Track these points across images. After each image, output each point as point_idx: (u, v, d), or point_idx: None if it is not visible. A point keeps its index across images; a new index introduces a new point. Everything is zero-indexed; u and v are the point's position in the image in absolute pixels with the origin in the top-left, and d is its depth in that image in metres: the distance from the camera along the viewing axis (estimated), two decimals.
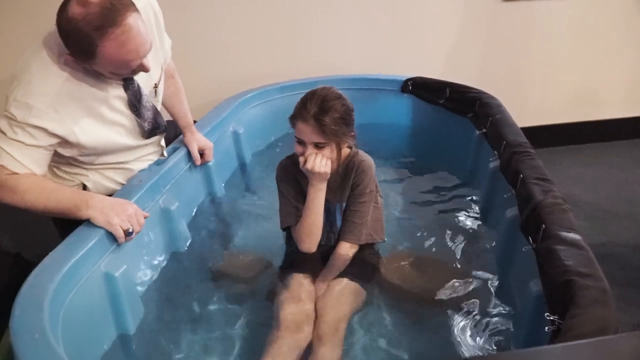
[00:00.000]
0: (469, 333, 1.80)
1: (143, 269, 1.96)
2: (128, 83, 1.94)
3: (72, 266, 1.59)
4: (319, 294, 1.89)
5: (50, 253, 1.63)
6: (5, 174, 1.76)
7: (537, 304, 1.55)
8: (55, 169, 2.03)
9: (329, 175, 1.92)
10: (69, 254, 1.63)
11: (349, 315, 1.82)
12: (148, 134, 2.07)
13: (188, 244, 2.20)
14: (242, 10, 3.28)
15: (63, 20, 1.65)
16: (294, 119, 1.90)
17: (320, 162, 1.88)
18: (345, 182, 2.00)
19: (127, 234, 1.78)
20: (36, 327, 1.36)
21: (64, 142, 1.84)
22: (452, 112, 2.96)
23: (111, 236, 1.76)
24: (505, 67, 3.67)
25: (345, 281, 1.91)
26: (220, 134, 2.69)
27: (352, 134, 1.95)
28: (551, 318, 1.37)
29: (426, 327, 1.88)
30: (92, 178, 2.05)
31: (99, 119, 1.89)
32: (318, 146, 1.88)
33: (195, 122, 2.45)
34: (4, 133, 1.75)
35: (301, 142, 1.90)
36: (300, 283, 1.91)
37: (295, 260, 2.04)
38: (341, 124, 1.87)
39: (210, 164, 2.50)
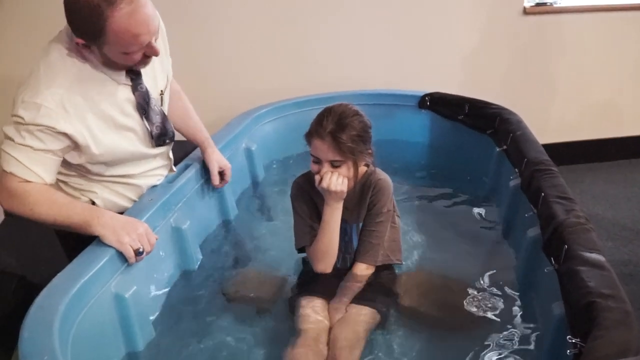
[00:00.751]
0: (491, 355, 1.80)
1: (154, 289, 1.99)
2: (136, 83, 1.95)
3: (82, 287, 1.61)
4: (334, 318, 1.89)
5: (59, 273, 1.65)
6: (17, 182, 1.78)
7: (559, 327, 1.55)
8: (62, 185, 2.03)
9: (345, 194, 1.93)
10: (78, 274, 1.65)
11: (364, 343, 1.81)
12: (157, 140, 2.07)
13: (199, 264, 2.22)
14: (255, 26, 3.32)
15: None
16: (309, 136, 1.90)
17: (336, 181, 1.88)
18: (362, 201, 2.00)
19: (138, 253, 1.80)
20: (46, 349, 1.38)
21: (74, 145, 1.85)
22: (471, 128, 2.97)
23: (121, 256, 1.78)
24: (527, 82, 3.68)
25: (360, 308, 1.91)
26: (232, 151, 2.71)
27: (370, 151, 1.95)
28: (573, 341, 1.37)
29: (444, 352, 1.88)
30: (101, 194, 2.05)
31: (109, 123, 1.90)
32: (334, 164, 1.88)
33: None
34: (11, 139, 1.76)
35: (317, 161, 1.90)
36: (314, 309, 1.91)
37: (310, 282, 2.04)
38: (358, 141, 1.87)
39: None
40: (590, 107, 3.79)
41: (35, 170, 1.79)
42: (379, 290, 2.01)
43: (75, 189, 2.04)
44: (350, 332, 1.81)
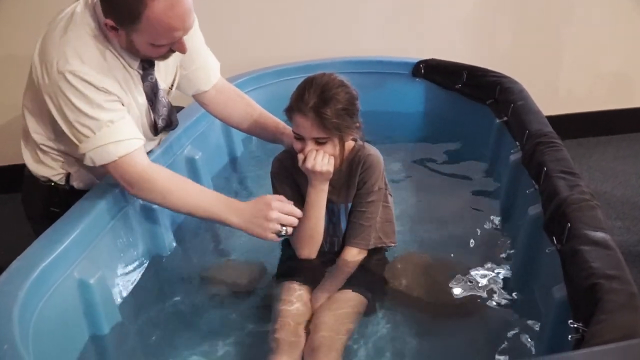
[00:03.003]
0: (486, 343, 1.84)
1: (121, 275, 2.00)
2: (147, 74, 2.01)
3: (42, 272, 1.62)
4: (316, 305, 1.90)
5: (17, 258, 1.66)
6: (133, 164, 1.86)
7: (560, 311, 1.57)
8: (41, 154, 2.06)
9: (331, 175, 1.91)
10: (38, 258, 1.66)
11: (350, 333, 1.82)
12: (160, 130, 2.14)
13: (172, 248, 2.23)
14: None
15: None
16: (290, 111, 1.88)
17: (321, 161, 1.87)
18: (351, 179, 1.99)
19: (280, 235, 1.89)
20: (5, 338, 1.39)
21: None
22: (469, 98, 2.99)
23: (84, 239, 1.80)
24: (531, 49, 3.68)
25: (347, 293, 1.92)
26: (208, 124, 2.71)
27: (357, 125, 1.93)
28: (575, 325, 1.39)
29: (439, 339, 1.91)
30: (79, 170, 2.10)
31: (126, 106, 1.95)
32: (319, 142, 1.87)
33: (178, 110, 2.44)
34: (89, 128, 1.81)
35: (299, 138, 1.89)
36: (294, 295, 1.92)
37: (292, 268, 2.05)
38: (344, 115, 1.85)
39: (196, 157, 2.52)
40: (599, 76, 3.79)
41: (134, 134, 1.88)
42: (367, 274, 2.02)
43: (54, 160, 2.07)
44: (332, 318, 1.82)
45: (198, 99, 2.33)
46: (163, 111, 2.11)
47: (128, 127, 1.87)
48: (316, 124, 1.83)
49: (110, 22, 1.77)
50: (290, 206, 1.90)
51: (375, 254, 2.09)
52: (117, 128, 1.84)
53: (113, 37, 1.84)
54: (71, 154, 2.05)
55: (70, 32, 1.81)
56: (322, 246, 2.04)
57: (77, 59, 1.78)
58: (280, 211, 1.87)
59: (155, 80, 2.05)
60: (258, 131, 2.35)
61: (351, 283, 1.95)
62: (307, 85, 1.86)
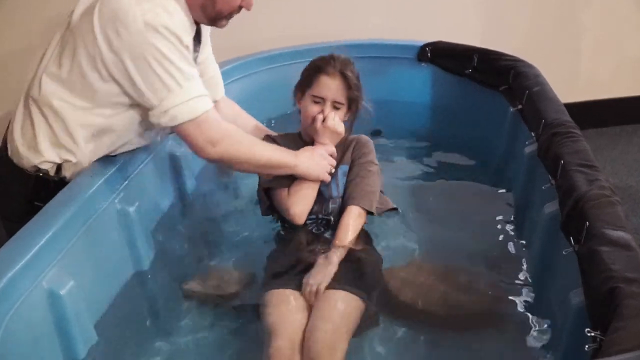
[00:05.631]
0: (500, 352, 1.87)
1: (95, 285, 1.98)
2: (195, 49, 2.16)
3: (8, 282, 1.60)
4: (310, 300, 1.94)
5: None
6: (220, 125, 2.04)
7: (577, 318, 1.59)
8: (43, 138, 2.06)
9: (339, 139, 2.24)
10: (4, 266, 1.64)
11: (349, 337, 1.85)
12: None
13: (152, 253, 2.25)
14: None
15: None
16: (315, 72, 2.19)
17: (339, 122, 2.19)
18: (344, 155, 2.28)
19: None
20: None
21: None
22: (480, 84, 2.99)
23: (54, 245, 1.79)
24: (548, 30, 3.70)
25: (342, 294, 1.94)
26: None
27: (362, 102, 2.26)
28: (592, 334, 1.40)
29: (449, 352, 1.93)
30: (86, 151, 2.11)
31: None
32: (336, 106, 2.19)
33: None
34: (179, 82, 1.92)
35: (319, 101, 2.19)
36: (287, 305, 1.94)
37: (280, 274, 2.08)
38: (360, 87, 2.23)
39: (177, 154, 2.53)
40: (623, 61, 3.80)
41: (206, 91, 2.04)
42: (362, 273, 2.08)
43: (57, 144, 2.07)
44: (331, 322, 1.84)
45: None
46: None
47: (201, 84, 2.02)
48: (342, 85, 2.18)
49: None
50: (331, 147, 2.23)
51: (361, 243, 2.18)
52: (198, 83, 2.00)
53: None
54: (100, 125, 2.07)
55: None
56: (314, 219, 2.21)
57: (165, 12, 1.91)
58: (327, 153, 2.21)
59: (197, 59, 2.21)
60: None
61: (343, 281, 1.98)
62: (329, 55, 2.22)
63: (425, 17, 3.57)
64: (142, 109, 2.03)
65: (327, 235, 2.21)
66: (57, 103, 2.02)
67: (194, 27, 2.10)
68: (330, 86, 2.17)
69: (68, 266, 1.83)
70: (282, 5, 3.43)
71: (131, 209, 2.16)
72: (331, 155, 2.22)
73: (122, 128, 2.10)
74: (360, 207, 2.17)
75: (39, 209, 1.92)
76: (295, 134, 2.36)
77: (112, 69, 1.93)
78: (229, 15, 2.12)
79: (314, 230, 2.22)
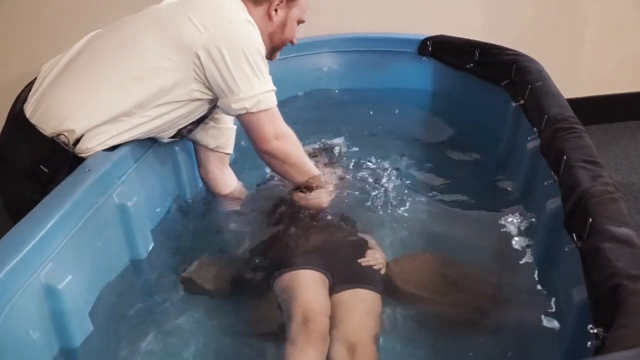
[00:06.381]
0: (500, 351, 1.86)
1: (92, 278, 2.00)
2: None
3: (5, 276, 1.61)
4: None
5: None
6: (282, 120, 2.26)
7: (580, 315, 1.59)
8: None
9: None
10: (1, 259, 1.64)
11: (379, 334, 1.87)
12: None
13: (150, 248, 2.25)
14: None
15: None
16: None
17: None
18: None
19: None
20: None
21: None
22: (482, 79, 2.99)
23: (51, 239, 1.79)
24: (550, 25, 3.69)
25: (364, 291, 1.97)
26: None
27: None
28: (595, 331, 1.40)
29: (450, 345, 1.94)
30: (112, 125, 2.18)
31: None
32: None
33: None
34: (263, 73, 2.16)
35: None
36: (317, 284, 1.96)
37: (298, 255, 2.09)
38: None
39: (176, 148, 2.54)
40: (627, 55, 3.80)
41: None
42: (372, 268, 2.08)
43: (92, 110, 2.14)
44: (363, 322, 1.87)
45: (212, 157, 2.58)
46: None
47: None
48: None
49: (278, 1, 2.24)
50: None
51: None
52: (270, 79, 2.19)
53: (271, 21, 2.28)
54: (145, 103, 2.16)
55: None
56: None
57: (246, 14, 2.16)
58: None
59: None
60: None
61: (359, 279, 2.01)
62: None
63: (427, 11, 3.57)
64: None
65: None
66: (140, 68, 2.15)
67: None
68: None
69: (65, 260, 1.83)
70: None
71: (129, 204, 2.15)
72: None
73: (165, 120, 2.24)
74: None
75: (42, 172, 2.05)
76: None
77: (201, 52, 2.09)
78: (280, 49, 2.37)
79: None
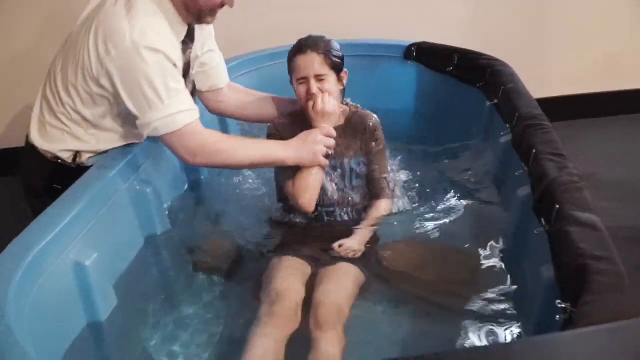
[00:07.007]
0: (478, 321, 1.84)
1: (116, 256, 1.98)
2: (186, 48, 2.10)
3: (38, 254, 1.61)
4: (346, 252, 1.97)
5: (13, 240, 1.65)
6: (196, 133, 1.95)
7: (548, 291, 1.57)
8: (55, 129, 2.08)
9: (337, 118, 2.10)
10: (34, 240, 1.65)
11: (352, 301, 1.85)
12: None
13: (166, 228, 2.23)
14: None
15: None
16: (292, 58, 2.08)
17: (329, 102, 2.03)
18: (355, 138, 2.16)
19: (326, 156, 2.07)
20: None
21: None
22: (460, 81, 2.96)
23: (80, 221, 1.78)
24: (522, 33, 3.69)
25: (344, 265, 1.94)
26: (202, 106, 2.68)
27: (346, 72, 2.14)
28: (563, 306, 1.39)
29: (433, 316, 1.94)
30: (98, 142, 2.12)
31: None
32: (319, 78, 2.04)
33: None
34: (158, 97, 1.88)
35: (303, 81, 2.05)
36: (294, 270, 1.93)
37: (286, 243, 2.08)
38: (339, 54, 2.10)
39: None
40: (590, 59, 3.80)
41: (193, 105, 1.98)
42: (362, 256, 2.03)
43: (72, 135, 2.09)
44: (336, 289, 1.84)
45: (211, 96, 2.40)
46: (189, 87, 2.17)
47: (189, 98, 1.99)
48: (317, 59, 2.04)
49: None
50: (327, 129, 2.06)
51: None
52: (182, 98, 1.93)
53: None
54: (101, 125, 2.08)
55: (138, 6, 1.89)
56: (322, 208, 2.12)
57: (152, 31, 1.87)
58: (322, 134, 2.05)
59: (190, 55, 2.15)
60: (271, 113, 2.39)
61: (348, 261, 1.97)
62: (304, 38, 2.11)
63: (412, 20, 3.56)
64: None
65: (338, 222, 2.16)
66: (67, 101, 2.03)
67: (185, 28, 2.06)
68: (306, 63, 2.04)
69: (92, 239, 1.83)
70: (296, 6, 3.47)
71: (148, 190, 2.14)
72: (329, 136, 2.07)
73: (114, 125, 2.09)
74: (385, 199, 2.17)
75: (57, 190, 1.94)
76: (302, 120, 2.15)
77: (103, 81, 1.92)
78: (212, 12, 2.03)
79: (324, 217, 2.16)
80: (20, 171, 2.23)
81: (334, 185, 2.15)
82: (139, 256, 2.09)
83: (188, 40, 2.10)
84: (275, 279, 1.88)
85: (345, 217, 2.17)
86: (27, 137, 2.15)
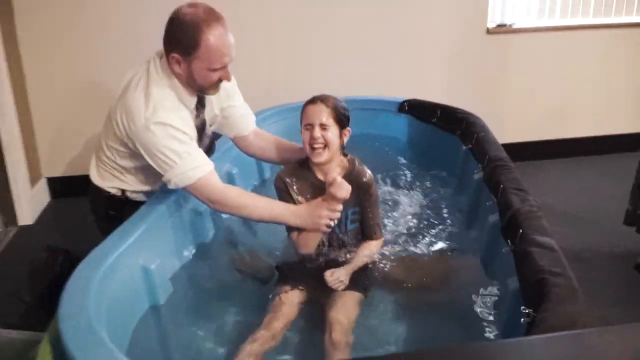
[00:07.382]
0: (450, 323, 1.83)
1: (175, 262, 1.99)
2: (199, 113, 2.05)
3: (115, 260, 1.63)
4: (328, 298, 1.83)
5: (94, 248, 1.66)
6: (213, 189, 1.89)
7: (514, 299, 1.55)
8: (107, 173, 2.09)
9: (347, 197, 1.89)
10: (110, 249, 1.66)
11: (354, 321, 1.77)
12: None
13: (214, 241, 2.21)
14: (243, 34, 3.32)
15: (176, 16, 1.83)
16: (303, 109, 1.95)
17: (342, 187, 1.86)
18: (353, 192, 1.92)
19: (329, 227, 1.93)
20: (82, 312, 1.38)
21: None
22: (442, 130, 2.94)
23: (149, 234, 1.80)
24: (489, 90, 3.70)
25: (352, 294, 1.85)
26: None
27: (349, 130, 1.98)
28: (526, 311, 1.37)
29: (417, 319, 1.89)
30: (135, 185, 2.11)
31: None
32: (323, 127, 1.88)
33: (217, 137, 2.37)
34: (175, 161, 1.84)
35: (309, 127, 1.90)
36: (286, 299, 1.82)
37: (290, 272, 1.97)
38: (344, 112, 1.94)
39: (234, 172, 2.50)
40: (542, 112, 3.80)
41: (206, 161, 1.91)
42: (360, 274, 1.95)
43: (118, 178, 2.10)
44: (346, 320, 1.74)
45: (237, 141, 2.33)
46: (206, 141, 2.14)
47: (201, 156, 1.90)
48: (324, 110, 1.89)
49: (176, 55, 1.84)
50: (334, 205, 1.89)
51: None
52: (193, 157, 1.86)
53: (178, 72, 1.87)
54: (136, 173, 2.08)
55: (152, 88, 1.86)
56: (322, 247, 2.00)
57: (161, 108, 1.83)
58: (328, 209, 1.89)
59: (204, 117, 2.09)
60: (288, 157, 2.27)
61: (352, 283, 1.87)
62: (318, 94, 1.96)
63: (404, 81, 3.59)
64: None
65: (334, 257, 2.01)
66: (109, 155, 2.06)
67: (194, 98, 1.98)
68: (314, 112, 1.89)
69: (156, 248, 1.84)
70: (292, 70, 3.49)
71: (201, 209, 2.13)
72: (334, 210, 1.90)
73: (147, 172, 2.05)
74: (375, 240, 2.03)
75: (112, 215, 2.06)
76: (305, 168, 2.02)
77: (130, 145, 1.93)
78: (213, 87, 1.94)
79: (321, 257, 2.00)
80: (88, 197, 2.23)
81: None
82: (192, 260, 2.07)
83: (200, 106, 2.04)
84: (274, 305, 1.80)
85: (340, 255, 2.02)
86: (89, 174, 2.16)
